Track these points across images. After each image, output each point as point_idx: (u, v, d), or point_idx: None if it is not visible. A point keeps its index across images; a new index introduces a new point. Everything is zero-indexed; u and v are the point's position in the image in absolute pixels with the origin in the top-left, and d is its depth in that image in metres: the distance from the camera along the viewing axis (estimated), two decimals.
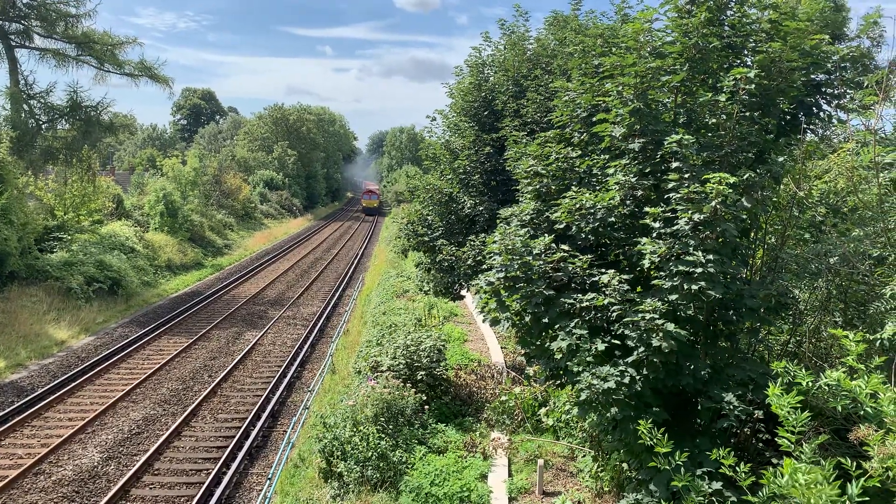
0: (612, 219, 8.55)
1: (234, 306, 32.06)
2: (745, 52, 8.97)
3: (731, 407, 7.20)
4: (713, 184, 7.28)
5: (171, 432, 16.53)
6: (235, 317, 30.28)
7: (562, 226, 9.02)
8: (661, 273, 7.57)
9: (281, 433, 17.26)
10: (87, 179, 35.06)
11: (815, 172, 9.99)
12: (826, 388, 6.08)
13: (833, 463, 5.18)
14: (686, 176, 7.80)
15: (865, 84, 8.68)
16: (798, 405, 5.58)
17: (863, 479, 5.07)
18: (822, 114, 9.43)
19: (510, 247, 8.63)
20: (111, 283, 30.54)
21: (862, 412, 5.71)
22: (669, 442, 6.40)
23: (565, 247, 8.61)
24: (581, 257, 8.49)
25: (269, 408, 18.61)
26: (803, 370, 6.21)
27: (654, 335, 7.29)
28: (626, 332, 7.57)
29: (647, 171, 8.55)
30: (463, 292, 17.95)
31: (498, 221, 10.66)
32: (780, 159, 8.37)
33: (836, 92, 9.24)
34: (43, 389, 19.34)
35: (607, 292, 7.93)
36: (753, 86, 7.98)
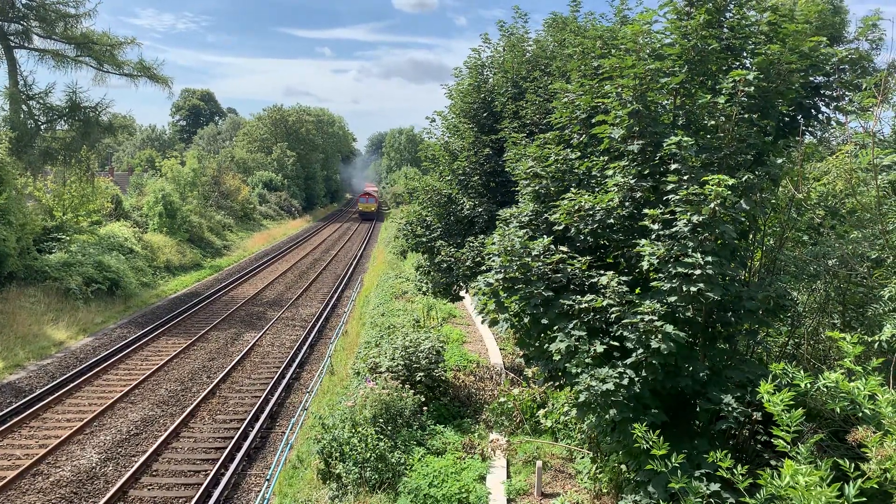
0: (611, 220, 8.56)
1: (232, 307, 32.04)
2: (744, 54, 8.98)
3: (730, 408, 7.20)
4: (712, 185, 7.28)
5: (169, 433, 16.51)
6: (234, 318, 30.26)
7: (561, 227, 9.03)
8: (660, 275, 7.58)
9: (279, 434, 17.25)
10: (85, 180, 35.02)
11: (814, 174, 10.00)
12: (824, 389, 6.09)
13: (830, 464, 5.18)
14: (685, 178, 7.81)
15: (864, 86, 8.70)
16: (791, 403, 5.58)
17: (860, 480, 5.07)
18: (820, 116, 9.44)
19: (509, 248, 8.63)
20: (110, 283, 30.52)
21: (860, 414, 5.72)
22: (665, 444, 6.41)
23: (564, 248, 8.62)
24: (580, 259, 8.49)
25: (267, 409, 18.60)
26: (802, 372, 6.22)
27: (652, 337, 7.29)
28: (625, 333, 7.58)
29: (646, 172, 8.56)
30: (462, 293, 17.95)
31: (497, 223, 10.67)
32: (779, 161, 8.38)
33: (834, 94, 9.25)
34: (41, 390, 19.32)
35: (606, 294, 7.93)
36: (752, 88, 7.98)
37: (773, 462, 7.15)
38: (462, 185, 17.06)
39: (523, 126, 15.54)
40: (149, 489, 14.06)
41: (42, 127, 34.52)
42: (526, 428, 13.17)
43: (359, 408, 12.93)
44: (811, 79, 9.13)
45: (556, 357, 8.08)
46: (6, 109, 33.18)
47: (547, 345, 8.42)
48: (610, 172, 8.86)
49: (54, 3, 33.60)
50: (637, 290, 8.12)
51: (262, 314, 31.42)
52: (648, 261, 7.62)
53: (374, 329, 21.69)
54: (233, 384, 21.03)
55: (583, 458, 11.18)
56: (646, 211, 7.97)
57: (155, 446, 15.67)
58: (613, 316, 7.80)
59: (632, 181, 8.47)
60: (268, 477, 14.25)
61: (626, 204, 8.51)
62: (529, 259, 8.49)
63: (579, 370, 7.73)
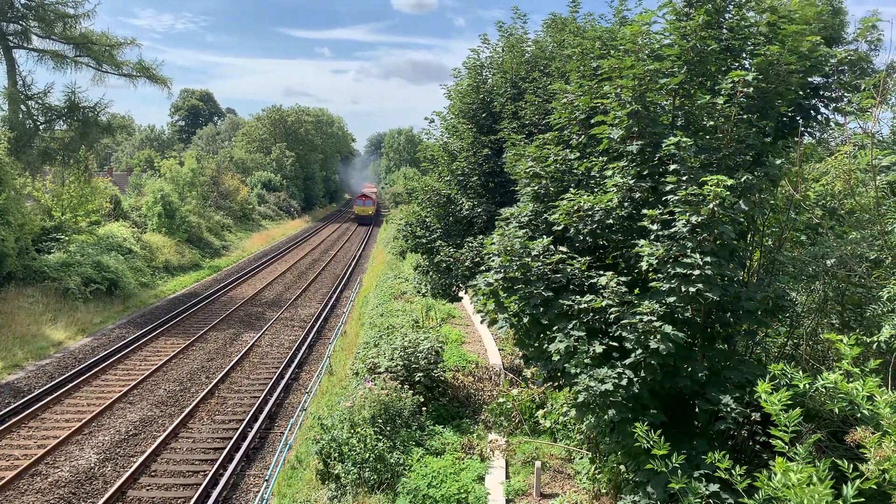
0: (610, 221, 8.56)
1: (231, 308, 32.03)
2: (744, 55, 8.99)
3: (729, 409, 7.20)
4: (711, 186, 7.29)
5: (168, 434, 16.50)
6: (233, 318, 30.24)
7: (560, 227, 9.03)
8: (659, 275, 7.58)
9: (278, 435, 17.24)
10: (84, 180, 34.99)
11: (813, 175, 10.01)
12: (823, 390, 6.09)
13: (828, 464, 5.18)
14: (684, 178, 7.81)
15: (863, 87, 8.70)
16: (789, 403, 5.58)
17: (859, 481, 5.08)
18: (819, 117, 9.44)
19: (509, 248, 8.63)
20: (108, 283, 30.50)
21: (858, 415, 5.72)
22: (666, 444, 6.40)
23: (563, 248, 8.62)
24: (580, 259, 8.49)
25: (266, 409, 18.59)
26: (800, 372, 6.22)
27: (651, 337, 7.29)
28: (624, 333, 7.58)
29: (644, 173, 8.56)
30: (460, 294, 17.94)
31: (496, 222, 10.67)
32: (778, 162, 8.38)
33: (833, 95, 9.26)
34: (40, 390, 19.30)
35: (605, 294, 7.94)
36: (751, 89, 7.99)
37: (771, 462, 7.15)
38: (461, 185, 17.07)
39: (522, 127, 15.54)
40: (147, 489, 14.05)
41: (41, 127, 34.50)
42: (525, 428, 13.17)
43: (357, 408, 12.92)
44: (810, 80, 9.13)
45: (555, 357, 8.08)
46: (5, 109, 33.20)
47: (546, 345, 8.42)
48: (609, 173, 8.87)
49: (53, 3, 33.59)
50: (636, 291, 8.12)
51: (261, 314, 31.41)
52: (647, 261, 7.62)
53: (373, 329, 21.69)
54: (231, 385, 21.02)
55: (582, 458, 11.18)
56: (645, 211, 7.97)
57: (154, 447, 15.66)
58: (612, 316, 7.81)
59: (631, 181, 8.47)
60: (266, 477, 14.25)
61: (625, 204, 8.51)
62: (529, 259, 8.50)
63: (578, 370, 7.73)
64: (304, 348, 25.53)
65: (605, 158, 9.28)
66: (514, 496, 10.85)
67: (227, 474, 14.61)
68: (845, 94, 9.15)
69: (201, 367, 22.73)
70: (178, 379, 21.34)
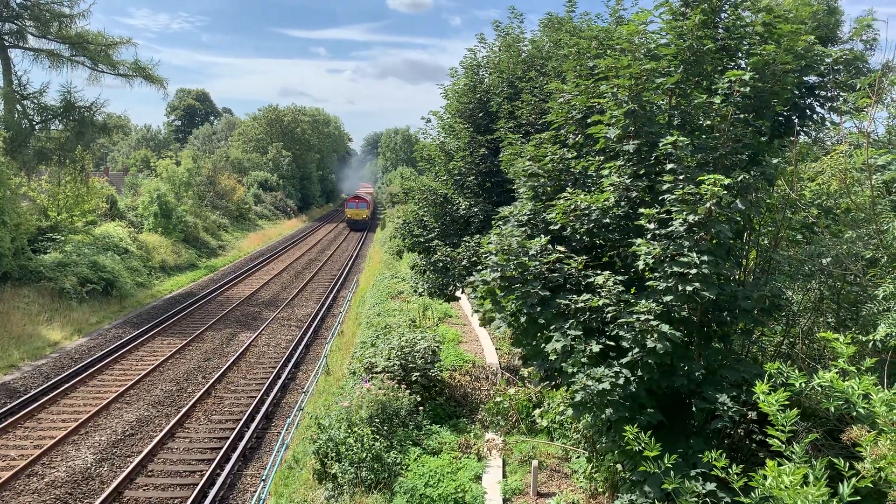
0: (607, 220, 8.57)
1: (228, 307, 31.98)
2: (740, 55, 9.01)
3: (725, 408, 7.22)
4: (708, 185, 7.30)
5: (164, 433, 16.47)
6: (230, 318, 30.20)
7: (557, 227, 9.04)
8: (656, 274, 7.59)
9: (275, 434, 17.22)
10: (80, 180, 34.90)
11: (809, 174, 10.02)
12: (819, 389, 6.11)
13: (824, 463, 5.20)
14: (681, 177, 7.82)
15: (858, 87, 8.73)
16: (786, 402, 5.60)
17: (855, 479, 5.09)
18: (815, 116, 9.47)
19: (506, 247, 8.64)
20: (105, 283, 30.44)
21: (854, 413, 5.74)
22: (658, 445, 6.43)
23: (561, 248, 8.63)
24: (577, 258, 8.50)
25: (263, 409, 18.57)
26: (796, 371, 6.24)
27: (648, 336, 7.31)
28: (621, 333, 7.59)
29: (641, 172, 8.58)
30: (458, 293, 17.95)
31: (493, 222, 10.67)
32: (774, 161, 8.40)
33: (829, 94, 9.28)
34: (36, 391, 19.25)
35: (602, 293, 7.94)
36: (748, 88, 8.01)
37: (768, 461, 7.17)
38: (458, 185, 17.07)
39: (519, 126, 15.55)
40: (144, 489, 14.03)
41: (37, 127, 34.37)
42: (522, 428, 13.18)
43: (355, 408, 12.92)
44: (806, 79, 9.16)
45: (553, 357, 8.09)
46: (1, 109, 33.05)
47: (543, 344, 8.43)
48: (606, 172, 8.88)
49: (49, 2, 33.48)
50: (633, 290, 8.13)
51: (258, 314, 31.37)
52: (644, 260, 7.64)
53: (370, 329, 21.68)
54: (228, 384, 21.00)
55: (579, 457, 11.19)
56: (641, 210, 7.98)
57: (150, 446, 15.63)
58: (609, 315, 7.82)
59: (627, 181, 8.48)
60: (263, 477, 14.23)
61: (622, 203, 8.53)
62: (527, 259, 8.50)
63: (575, 370, 7.74)
64: (300, 348, 25.50)
65: (602, 158, 9.29)
66: (511, 495, 10.86)
67: (223, 474, 14.59)
68: (841, 93, 9.18)
69: (198, 367, 22.70)
70: (174, 379, 21.30)
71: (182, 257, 42.96)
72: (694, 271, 7.21)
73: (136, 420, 17.73)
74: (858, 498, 5.07)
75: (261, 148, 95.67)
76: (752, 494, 5.55)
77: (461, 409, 14.90)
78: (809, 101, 9.36)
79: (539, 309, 8.30)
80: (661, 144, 8.09)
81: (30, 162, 33.43)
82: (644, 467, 6.58)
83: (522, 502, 10.69)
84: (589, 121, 9.47)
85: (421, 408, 13.88)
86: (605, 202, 8.51)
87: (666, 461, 6.37)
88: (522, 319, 8.56)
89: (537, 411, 12.74)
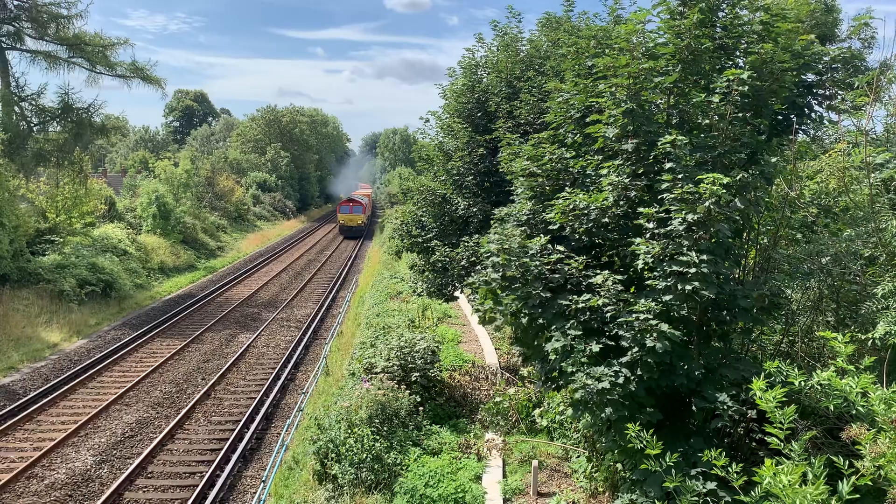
0: (606, 219, 8.57)
1: (227, 308, 31.96)
2: (738, 54, 9.01)
3: (725, 407, 7.22)
4: (707, 184, 7.30)
5: (164, 435, 16.46)
6: (229, 319, 30.19)
7: (556, 226, 9.04)
8: (655, 273, 7.59)
9: (275, 435, 17.22)
10: (78, 182, 34.87)
11: (807, 173, 10.03)
12: (818, 387, 6.12)
13: (822, 461, 5.20)
14: (679, 176, 7.82)
15: (856, 85, 8.73)
16: (784, 400, 5.60)
17: (854, 477, 5.10)
18: (813, 114, 9.47)
19: (507, 247, 8.63)
20: (104, 285, 30.42)
21: (854, 411, 5.74)
22: (659, 443, 6.43)
23: (560, 247, 8.63)
24: (577, 259, 8.50)
25: (262, 410, 18.56)
26: (796, 370, 6.24)
27: (647, 335, 7.31)
28: (621, 332, 7.59)
29: (640, 171, 8.58)
30: (457, 293, 17.95)
31: (492, 222, 10.67)
32: (773, 160, 8.40)
33: (827, 93, 9.29)
34: (35, 393, 19.24)
35: (601, 293, 7.94)
36: (746, 87, 8.01)
37: (767, 460, 7.17)
38: (456, 185, 17.06)
39: (518, 126, 15.54)
40: (144, 491, 14.02)
41: (34, 128, 34.35)
42: (522, 427, 13.18)
43: (354, 408, 12.91)
44: (804, 77, 9.17)
45: (553, 356, 8.09)
46: None
47: (544, 344, 8.43)
48: (604, 171, 8.88)
49: (46, 4, 33.44)
50: (632, 289, 8.13)
51: (257, 315, 31.36)
52: (643, 259, 7.64)
53: (370, 329, 21.67)
54: (228, 385, 20.98)
55: (579, 457, 11.19)
56: (640, 210, 7.98)
57: (150, 448, 15.62)
58: (609, 315, 7.82)
59: (626, 180, 8.48)
60: (263, 478, 14.22)
61: (621, 203, 8.53)
62: (527, 259, 8.50)
63: (575, 369, 7.74)
64: (300, 349, 25.50)
65: (601, 157, 9.29)
66: (511, 495, 10.86)
67: (223, 475, 14.58)
68: (839, 91, 9.18)
69: (197, 369, 22.69)
70: (174, 380, 21.29)
71: (181, 258, 42.93)
72: (693, 270, 7.22)
73: (135, 422, 17.72)
74: (858, 496, 5.07)
75: (259, 148, 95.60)
76: (753, 493, 5.56)
77: (461, 410, 14.90)
78: (808, 99, 9.37)
79: (540, 310, 8.29)
80: (659, 143, 8.09)
81: (28, 164, 33.40)
82: (645, 466, 6.58)
83: (523, 502, 10.69)
84: (587, 120, 9.47)
85: (421, 408, 13.88)
86: (604, 202, 8.51)
87: (667, 460, 6.37)
88: (523, 319, 8.56)
89: (537, 411, 12.74)
